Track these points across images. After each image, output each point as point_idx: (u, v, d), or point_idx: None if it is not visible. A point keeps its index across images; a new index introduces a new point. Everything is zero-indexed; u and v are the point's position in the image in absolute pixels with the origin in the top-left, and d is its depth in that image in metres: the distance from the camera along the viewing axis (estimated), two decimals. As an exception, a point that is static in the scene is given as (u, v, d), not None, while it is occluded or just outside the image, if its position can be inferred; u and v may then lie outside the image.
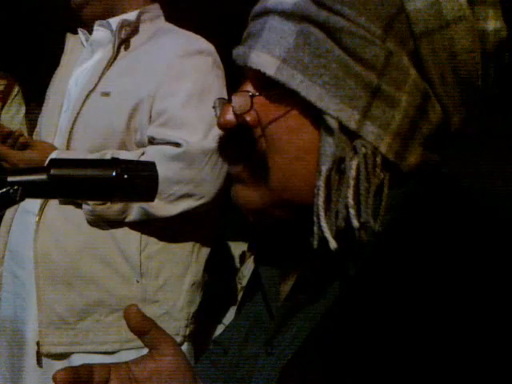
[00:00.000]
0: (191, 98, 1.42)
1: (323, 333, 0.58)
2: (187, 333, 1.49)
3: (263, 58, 0.62)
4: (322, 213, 0.59)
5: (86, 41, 1.58)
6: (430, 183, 0.62)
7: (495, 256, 0.52)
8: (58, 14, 1.80)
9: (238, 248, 2.08)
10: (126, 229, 1.42)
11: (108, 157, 1.33)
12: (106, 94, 1.44)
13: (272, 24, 0.62)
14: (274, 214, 0.65)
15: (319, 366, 0.56)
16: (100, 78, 1.46)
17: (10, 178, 0.54)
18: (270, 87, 0.62)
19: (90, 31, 1.56)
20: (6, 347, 1.47)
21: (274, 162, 0.62)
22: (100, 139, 1.42)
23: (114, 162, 0.57)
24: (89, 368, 0.54)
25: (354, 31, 0.59)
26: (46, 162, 1.37)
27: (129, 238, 1.42)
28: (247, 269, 1.96)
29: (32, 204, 1.42)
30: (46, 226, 1.41)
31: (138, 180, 0.58)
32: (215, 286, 1.69)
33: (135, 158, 1.35)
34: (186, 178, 1.38)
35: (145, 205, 1.37)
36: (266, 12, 0.63)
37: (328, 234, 0.58)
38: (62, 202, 1.41)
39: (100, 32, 1.53)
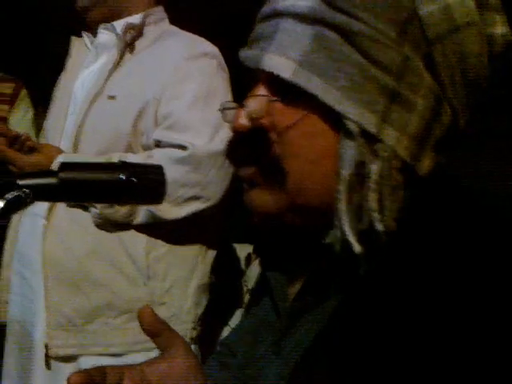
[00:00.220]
0: (197, 100, 1.42)
1: (331, 334, 0.58)
2: (194, 335, 1.49)
3: (277, 61, 0.61)
4: (345, 217, 0.58)
5: (91, 44, 1.58)
6: (437, 185, 0.62)
7: (501, 259, 0.52)
8: (59, 14, 1.80)
9: (243, 250, 2.08)
10: (133, 231, 1.42)
11: (115, 160, 1.34)
12: (112, 97, 1.44)
13: (285, 26, 0.61)
14: (286, 219, 0.65)
15: (327, 367, 0.56)
16: (106, 82, 1.46)
17: (20, 182, 0.55)
18: (285, 91, 0.61)
19: (95, 34, 1.57)
20: (15, 349, 1.47)
21: (289, 165, 0.62)
22: (106, 142, 1.43)
23: (123, 166, 0.58)
24: (102, 370, 0.54)
25: (371, 35, 0.58)
26: (53, 165, 1.39)
27: (136, 240, 1.42)
28: (253, 271, 1.95)
29: (40, 207, 1.42)
30: (54, 229, 1.41)
31: (147, 183, 0.58)
32: (221, 288, 1.69)
33: (142, 161, 1.35)
34: (193, 180, 1.38)
35: (152, 207, 1.37)
36: (277, 14, 0.63)
37: (352, 238, 0.58)
38: (70, 205, 1.41)
39: (105, 35, 1.53)
